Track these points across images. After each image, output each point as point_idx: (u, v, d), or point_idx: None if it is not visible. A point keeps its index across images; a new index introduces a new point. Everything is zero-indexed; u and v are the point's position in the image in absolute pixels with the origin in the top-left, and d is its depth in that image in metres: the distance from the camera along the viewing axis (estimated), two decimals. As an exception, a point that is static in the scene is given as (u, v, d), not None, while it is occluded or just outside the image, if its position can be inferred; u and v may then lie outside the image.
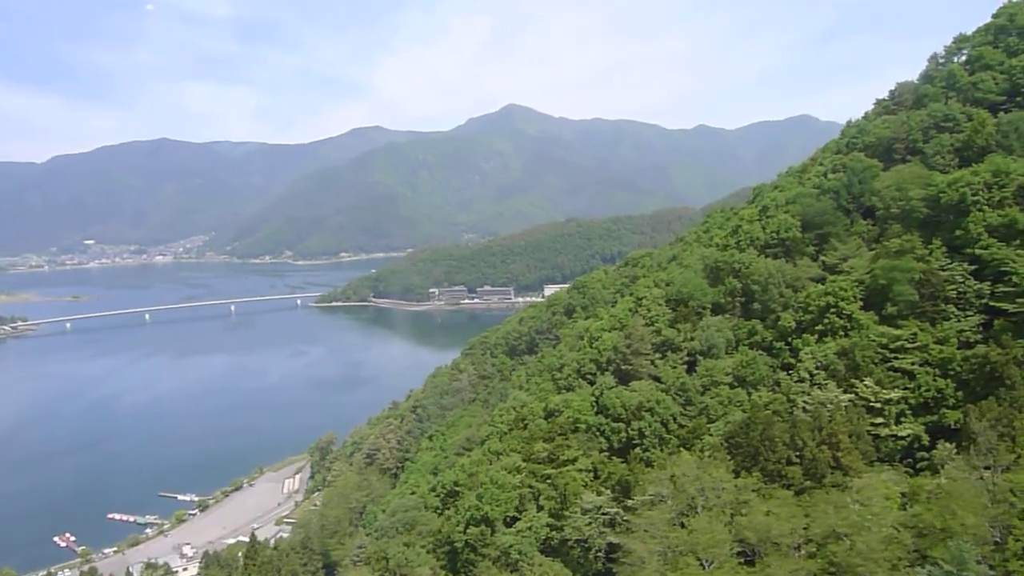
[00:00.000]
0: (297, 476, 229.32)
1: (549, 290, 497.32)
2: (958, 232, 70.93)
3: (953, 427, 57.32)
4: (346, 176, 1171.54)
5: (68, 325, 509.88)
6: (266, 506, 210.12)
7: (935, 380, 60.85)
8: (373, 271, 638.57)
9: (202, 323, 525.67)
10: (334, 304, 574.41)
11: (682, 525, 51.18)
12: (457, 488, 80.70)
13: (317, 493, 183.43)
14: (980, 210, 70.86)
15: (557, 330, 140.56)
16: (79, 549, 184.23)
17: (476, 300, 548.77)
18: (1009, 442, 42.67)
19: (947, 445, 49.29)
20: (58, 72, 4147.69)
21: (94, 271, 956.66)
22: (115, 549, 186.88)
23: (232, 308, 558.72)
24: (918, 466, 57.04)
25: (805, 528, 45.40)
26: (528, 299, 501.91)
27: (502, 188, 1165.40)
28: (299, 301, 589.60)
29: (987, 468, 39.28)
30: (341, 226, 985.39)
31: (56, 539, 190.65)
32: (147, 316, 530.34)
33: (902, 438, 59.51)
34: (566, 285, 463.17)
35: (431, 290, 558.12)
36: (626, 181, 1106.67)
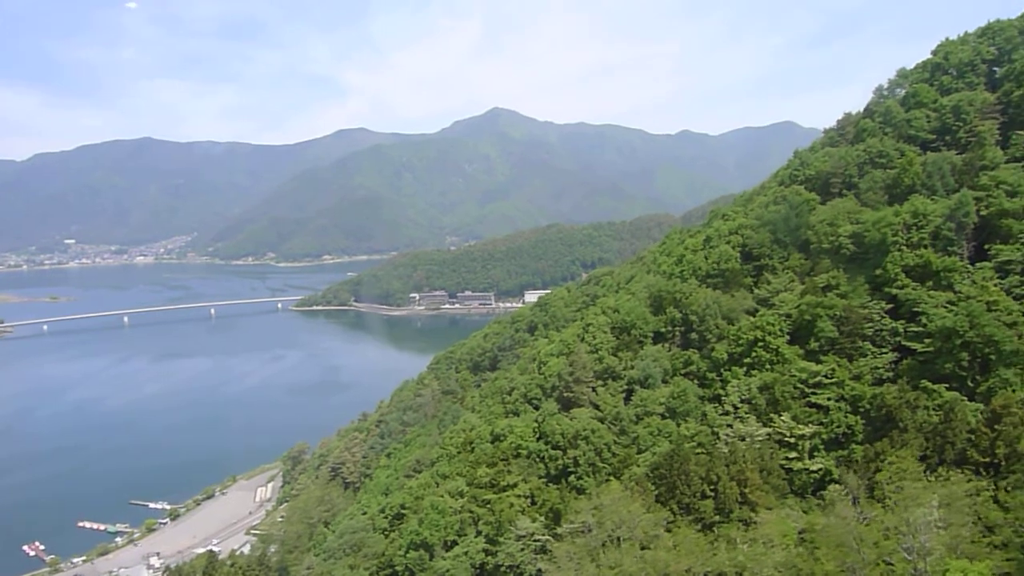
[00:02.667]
0: (269, 484, 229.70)
1: (530, 296, 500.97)
2: (878, 271, 74.39)
3: (860, 462, 60.59)
4: (330, 178, 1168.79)
5: (45, 327, 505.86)
6: (237, 515, 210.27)
7: (846, 416, 64.22)
8: (350, 274, 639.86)
9: (181, 326, 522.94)
10: (315, 308, 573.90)
11: (592, 559, 53.78)
12: (403, 511, 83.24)
13: (285, 504, 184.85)
14: (899, 250, 74.37)
15: (519, 347, 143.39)
16: (48, 558, 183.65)
17: (457, 305, 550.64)
18: (890, 486, 45.65)
19: (836, 486, 52.34)
20: (41, 69, 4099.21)
21: (73, 271, 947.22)
22: (84, 558, 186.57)
23: (212, 311, 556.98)
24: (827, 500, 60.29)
25: (702, 565, 48.20)
26: (509, 304, 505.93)
27: (486, 191, 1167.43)
28: (280, 304, 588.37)
29: (860, 514, 42.20)
30: (324, 228, 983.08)
31: (25, 548, 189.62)
32: (126, 319, 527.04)
33: (814, 472, 62.81)
34: (547, 291, 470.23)
35: (412, 295, 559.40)
36: (610, 186, 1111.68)
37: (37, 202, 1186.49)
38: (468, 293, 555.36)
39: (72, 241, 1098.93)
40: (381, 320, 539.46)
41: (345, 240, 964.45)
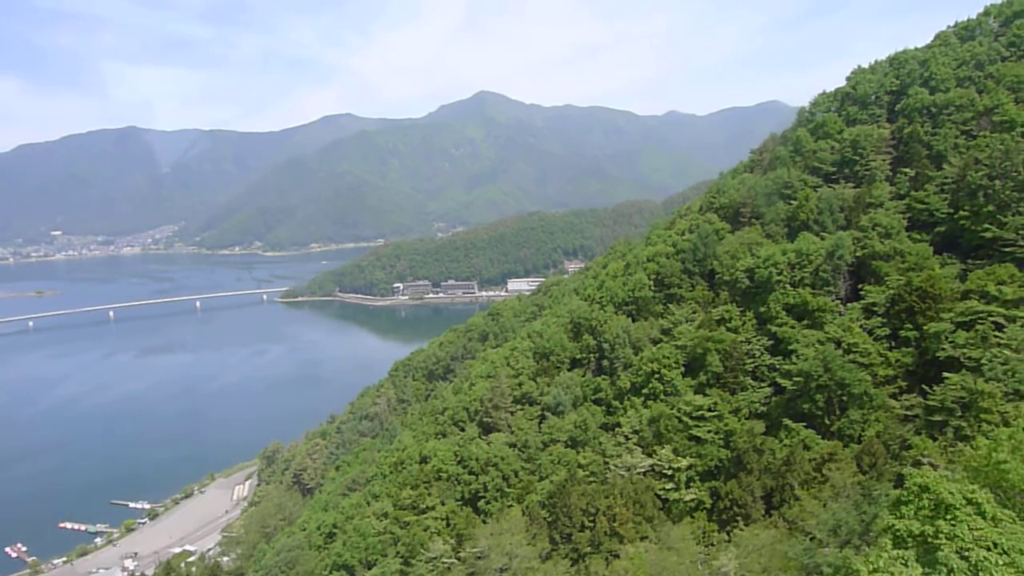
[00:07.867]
0: (247, 483, 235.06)
1: (512, 284, 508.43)
2: (763, 308, 79.99)
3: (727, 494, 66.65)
4: (316, 165, 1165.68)
5: (31, 324, 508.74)
6: (214, 514, 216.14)
7: (719, 450, 70.19)
8: (324, 263, 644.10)
9: (167, 319, 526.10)
10: (299, 299, 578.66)
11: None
12: (335, 530, 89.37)
13: (255, 507, 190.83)
14: (783, 289, 79.89)
15: (470, 357, 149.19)
16: (29, 560, 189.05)
17: (440, 294, 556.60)
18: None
19: (680, 527, 58.38)
20: (22, 56, 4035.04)
21: (60, 264, 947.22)
22: (64, 559, 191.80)
23: (198, 304, 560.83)
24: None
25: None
26: (492, 293, 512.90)
27: (473, 176, 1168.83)
28: (264, 296, 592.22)
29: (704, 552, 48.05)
30: (311, 216, 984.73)
31: (7, 549, 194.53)
32: (111, 313, 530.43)
33: (687, 502, 68.89)
34: (529, 279, 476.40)
35: (395, 285, 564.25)
36: (596, 168, 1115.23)
37: (22, 193, 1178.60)
38: (451, 282, 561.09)
39: (58, 232, 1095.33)
40: (365, 311, 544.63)
41: (332, 228, 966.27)
